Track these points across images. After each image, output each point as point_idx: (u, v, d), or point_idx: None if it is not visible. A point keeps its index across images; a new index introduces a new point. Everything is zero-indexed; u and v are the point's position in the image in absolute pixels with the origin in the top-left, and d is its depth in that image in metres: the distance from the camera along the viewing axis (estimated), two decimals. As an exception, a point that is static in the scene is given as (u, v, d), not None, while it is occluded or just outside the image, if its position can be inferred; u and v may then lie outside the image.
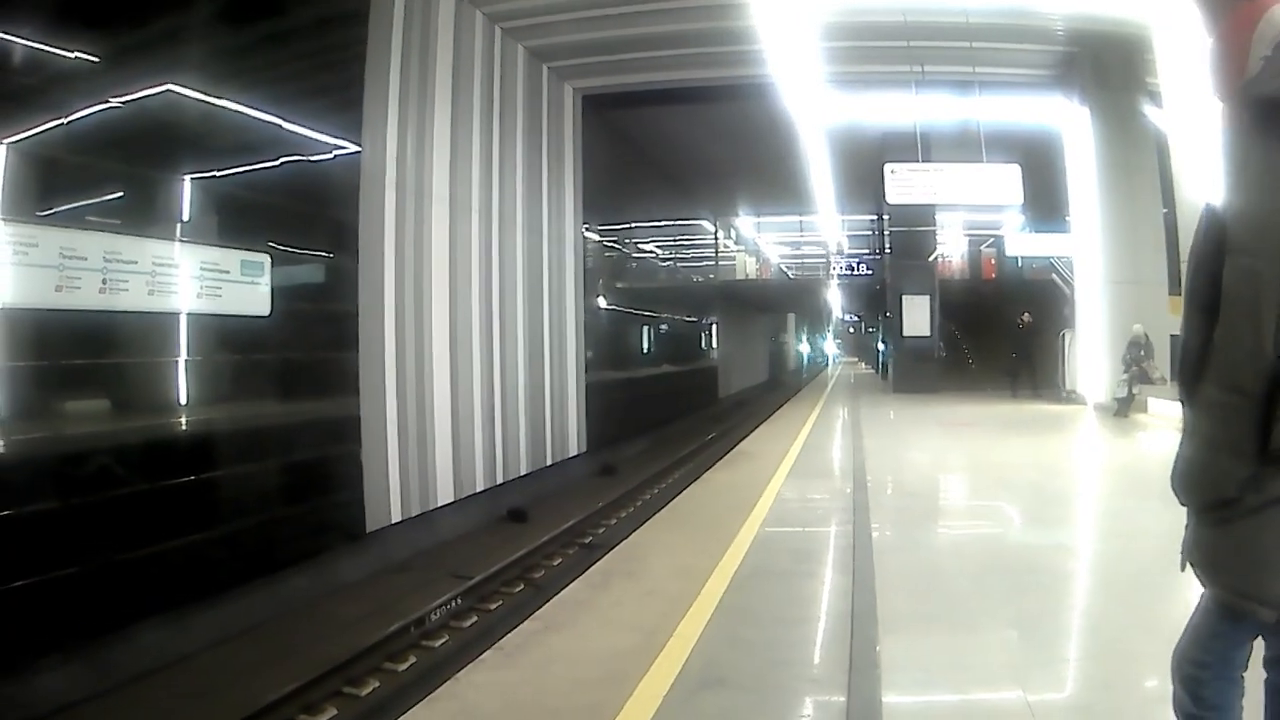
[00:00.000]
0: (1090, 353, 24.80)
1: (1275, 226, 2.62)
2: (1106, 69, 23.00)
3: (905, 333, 33.16)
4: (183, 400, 15.63)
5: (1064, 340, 27.25)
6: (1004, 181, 20.17)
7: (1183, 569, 3.00)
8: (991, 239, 42.04)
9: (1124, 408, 21.13)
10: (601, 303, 37.67)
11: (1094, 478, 14.97)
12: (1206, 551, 2.89)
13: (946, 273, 40.67)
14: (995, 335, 33.31)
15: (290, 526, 14.27)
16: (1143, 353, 20.82)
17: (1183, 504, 2.98)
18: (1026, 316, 28.96)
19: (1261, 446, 2.63)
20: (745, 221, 56.44)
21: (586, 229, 28.30)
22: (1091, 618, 7.00)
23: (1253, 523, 2.70)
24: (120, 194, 16.45)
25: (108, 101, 14.75)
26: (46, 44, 13.66)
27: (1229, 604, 2.86)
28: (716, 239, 54.00)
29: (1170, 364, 20.31)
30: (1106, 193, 23.55)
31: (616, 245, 46.62)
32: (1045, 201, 27.69)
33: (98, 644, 10.83)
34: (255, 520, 13.63)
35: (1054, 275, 32.50)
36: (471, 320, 19.68)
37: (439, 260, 18.35)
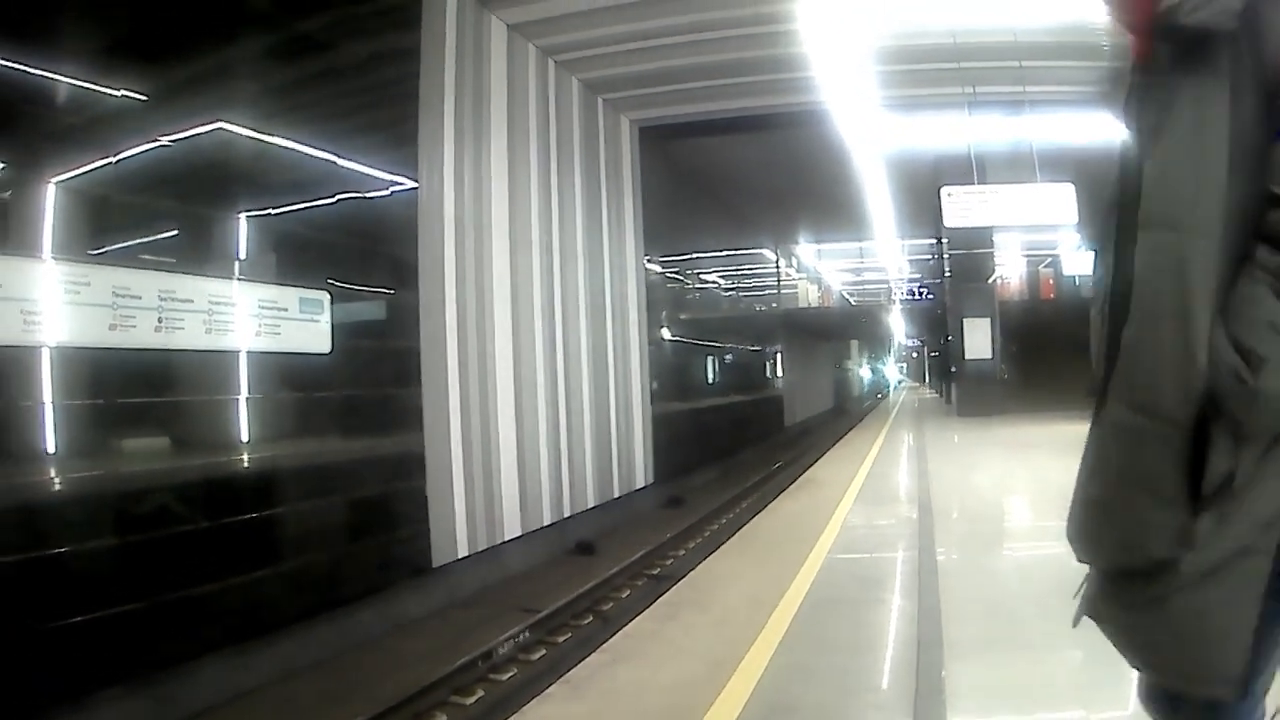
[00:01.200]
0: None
1: (1210, 193, 2.03)
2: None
3: (967, 355, 33.01)
4: (244, 437, 15.72)
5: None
6: (1059, 201, 20.06)
7: (1075, 624, 2.40)
8: (1049, 259, 41.80)
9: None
10: (665, 334, 37.69)
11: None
12: (1133, 632, 2.27)
13: (1006, 294, 40.44)
14: (1055, 355, 33.11)
15: (355, 562, 14.31)
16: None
17: (1083, 561, 2.37)
18: None
19: (1191, 489, 2.02)
20: (806, 249, 56.34)
21: (648, 260, 28.30)
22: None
23: (1196, 599, 2.07)
24: (174, 232, 16.61)
25: (157, 140, 14.85)
26: (92, 82, 13.78)
27: (1174, 690, 2.24)
28: (778, 267, 53.90)
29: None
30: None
31: (678, 276, 46.64)
32: (1101, 219, 27.53)
33: (162, 679, 10.89)
34: (320, 556, 13.67)
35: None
36: (535, 355, 19.68)
37: (500, 295, 18.33)
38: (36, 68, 13.03)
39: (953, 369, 38.41)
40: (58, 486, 12.03)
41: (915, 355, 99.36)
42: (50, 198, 13.45)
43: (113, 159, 14.52)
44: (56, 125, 13.98)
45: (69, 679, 9.87)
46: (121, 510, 11.23)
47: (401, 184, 17.45)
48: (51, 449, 13.31)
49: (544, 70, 20.61)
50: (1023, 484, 16.25)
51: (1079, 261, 34.30)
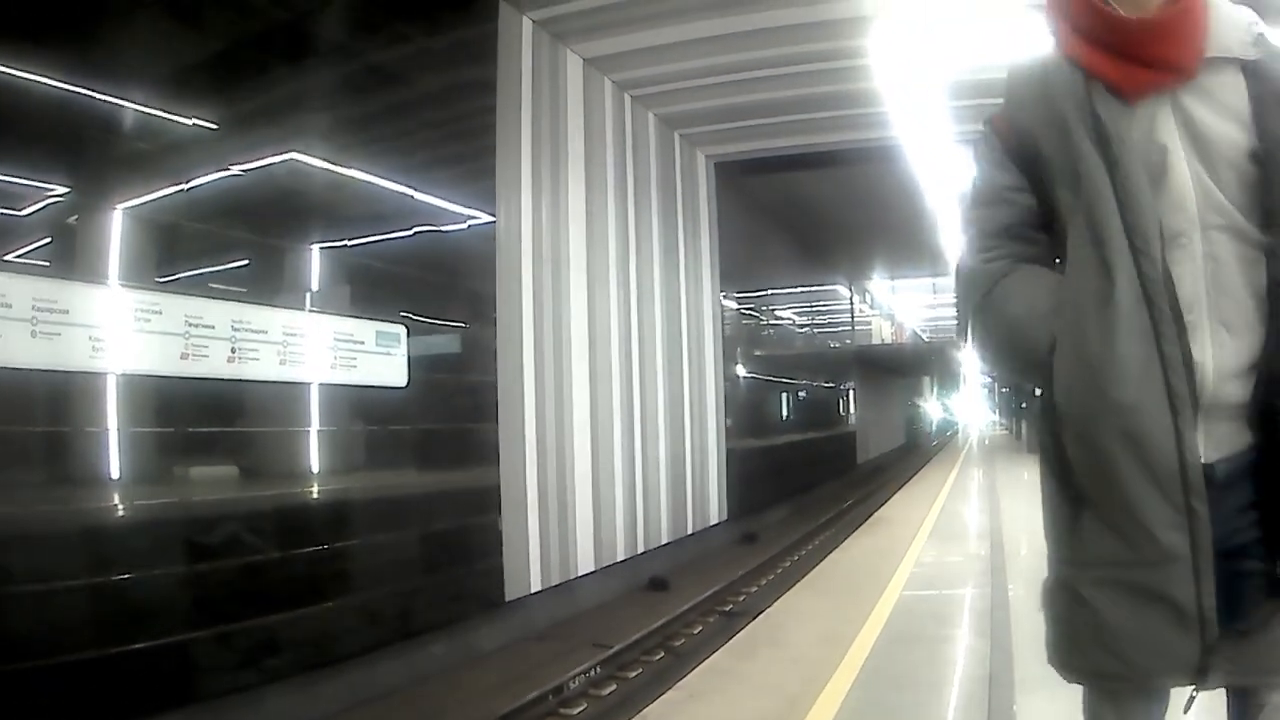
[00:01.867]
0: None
1: None
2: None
3: (1039, 391, 32.78)
4: (316, 469, 15.82)
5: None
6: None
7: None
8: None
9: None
10: (740, 370, 37.65)
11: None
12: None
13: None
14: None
15: (428, 595, 14.36)
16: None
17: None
18: None
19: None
20: (879, 285, 56.26)
21: (724, 297, 28.31)
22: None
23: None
24: (246, 261, 16.74)
25: (228, 169, 14.98)
26: (162, 110, 13.90)
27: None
28: (852, 303, 53.83)
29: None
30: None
31: (754, 313, 46.63)
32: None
33: (225, 708, 10.96)
34: (392, 588, 13.73)
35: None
36: (612, 390, 19.69)
37: (578, 330, 18.37)
38: (105, 93, 13.18)
39: (1023, 404, 38.21)
40: (121, 513, 12.16)
41: (988, 391, 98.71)
42: (118, 224, 13.57)
43: (183, 186, 14.65)
44: (125, 151, 14.12)
45: (132, 705, 9.93)
46: (189, 538, 11.35)
47: (478, 218, 17.51)
48: (117, 475, 13.42)
49: (620, 105, 20.70)
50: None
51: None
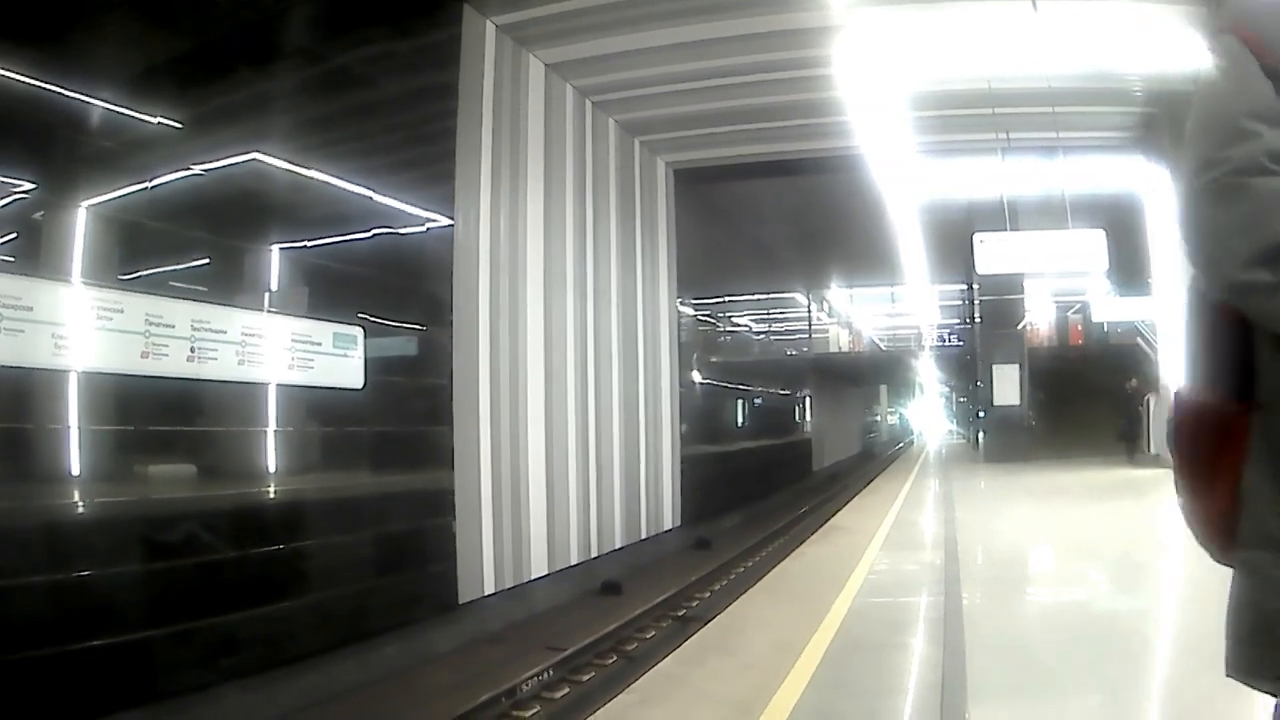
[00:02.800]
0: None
1: None
2: (1183, 128, 22.74)
3: (995, 402, 33.15)
4: (272, 469, 15.80)
5: (1149, 404, 27.10)
6: (1089, 247, 20.05)
7: None
8: (1078, 305, 41.82)
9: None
10: (696, 377, 37.70)
11: (1177, 541, 14.90)
12: None
13: (1035, 340, 40.51)
14: (1082, 402, 33.15)
15: (382, 596, 14.36)
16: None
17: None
18: (1134, 382, 28.75)
19: None
20: (837, 294, 56.39)
21: (680, 303, 28.37)
22: (1174, 682, 7.03)
23: None
24: (206, 260, 16.69)
25: (191, 168, 14.95)
26: (128, 108, 13.87)
27: None
28: (809, 311, 53.94)
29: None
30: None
31: (710, 319, 46.72)
32: (1129, 265, 27.53)
33: (181, 706, 10.95)
34: (345, 589, 13.73)
35: (1139, 339, 32.29)
36: (567, 395, 19.78)
37: (534, 334, 18.44)
38: (72, 90, 13.14)
39: (979, 414, 38.46)
40: (81, 510, 12.15)
41: (945, 401, 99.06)
42: (82, 221, 13.53)
43: (146, 185, 14.60)
44: (90, 149, 14.08)
45: (86, 703, 9.92)
46: (145, 536, 11.33)
47: (437, 221, 17.49)
48: (77, 472, 13.39)
49: (581, 111, 20.77)
50: (1047, 530, 16.27)
51: (1108, 308, 34.40)
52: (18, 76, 12.13)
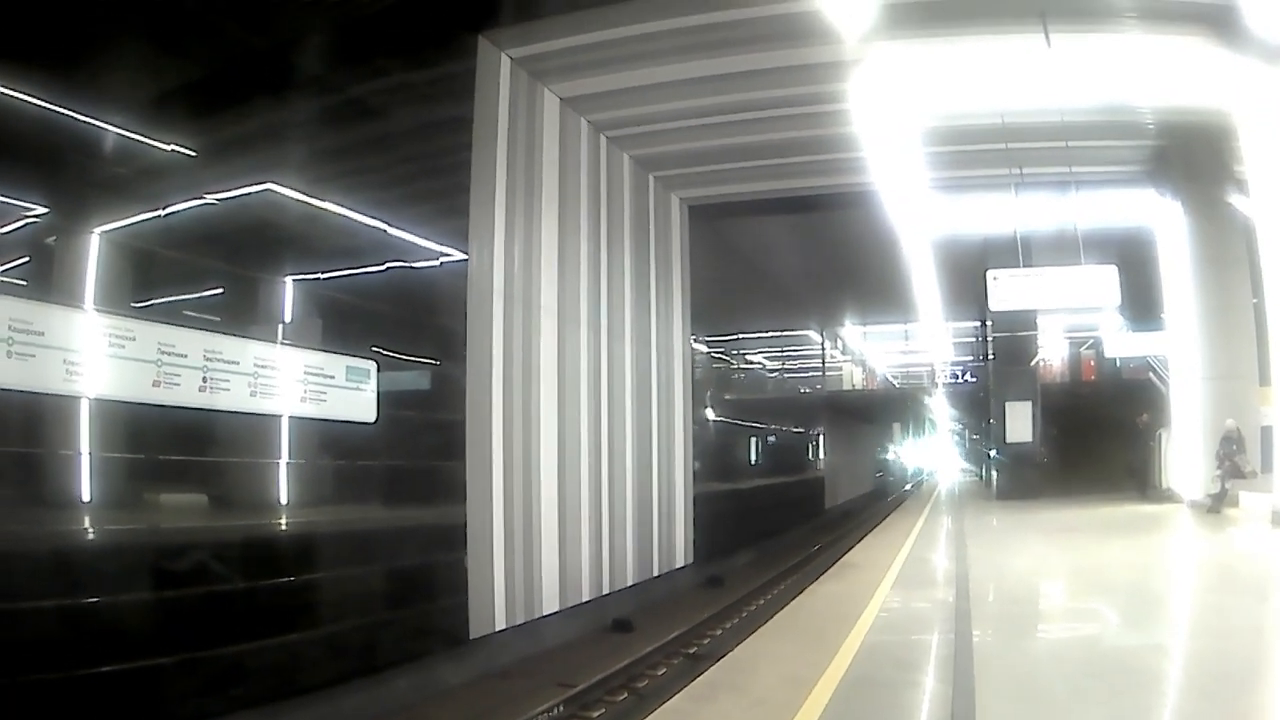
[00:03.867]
0: (1185, 450, 24.44)
1: None
2: (1196, 160, 22.71)
3: (1008, 439, 33.05)
4: (284, 501, 15.78)
5: (1160, 439, 27.03)
6: (1102, 283, 19.98)
7: None
8: (1090, 340, 41.75)
9: (1217, 504, 20.78)
10: (710, 414, 37.66)
11: (1186, 577, 14.82)
12: None
13: (1047, 376, 40.44)
14: (1095, 438, 33.08)
15: (392, 630, 14.34)
16: (1235, 447, 20.48)
17: None
18: (1145, 417, 28.66)
19: None
20: (851, 331, 56.37)
21: (694, 340, 28.34)
22: (1184, 716, 6.98)
23: None
24: (220, 290, 16.71)
25: (204, 197, 14.98)
26: (141, 134, 13.88)
27: None
28: (823, 349, 53.92)
29: (1261, 457, 20.14)
30: (1199, 287, 23.28)
31: (724, 356, 46.73)
32: (1141, 301, 27.49)
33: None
34: (356, 622, 13.71)
35: (1151, 374, 32.23)
36: (580, 431, 19.67)
37: (547, 370, 18.36)
38: (84, 114, 13.16)
39: (991, 453, 38.40)
40: (91, 536, 12.14)
41: (958, 438, 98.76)
42: (95, 247, 13.55)
43: (160, 213, 14.62)
44: (103, 174, 14.10)
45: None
46: (155, 564, 11.33)
47: (451, 255, 17.52)
48: (88, 498, 13.39)
49: (596, 146, 20.75)
50: (1058, 567, 16.19)
51: (1120, 344, 34.38)
52: (29, 98, 12.17)
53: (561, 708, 13.60)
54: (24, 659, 9.58)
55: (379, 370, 16.10)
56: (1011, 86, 18.63)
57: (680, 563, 24.90)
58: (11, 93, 12.25)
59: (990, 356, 37.48)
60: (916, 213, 24.42)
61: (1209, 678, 7.97)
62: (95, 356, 11.74)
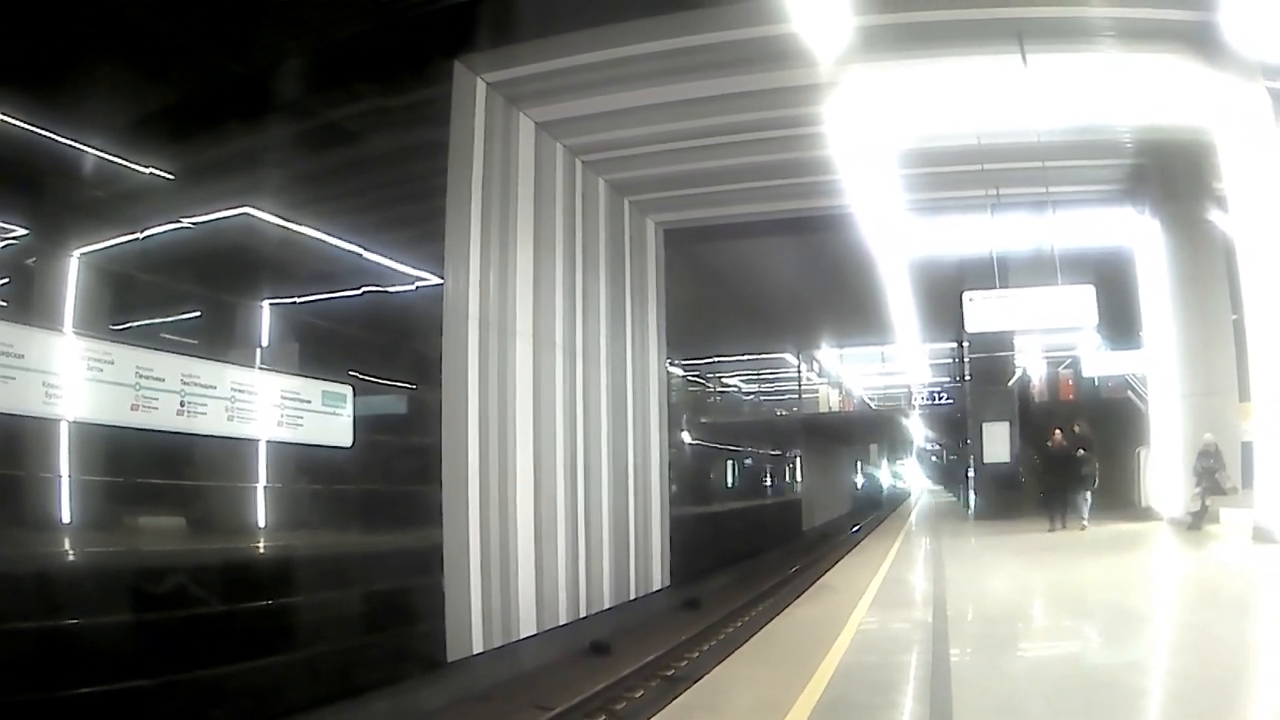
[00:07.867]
0: (1164, 467, 24.51)
1: None
2: (1174, 178, 22.76)
3: (985, 459, 33.09)
4: (261, 524, 15.78)
5: (1139, 457, 27.06)
6: (1079, 303, 20.03)
7: None
8: (1068, 360, 41.85)
9: (1197, 521, 20.73)
10: (686, 437, 37.69)
11: (1165, 595, 14.86)
12: None
13: (1025, 396, 40.53)
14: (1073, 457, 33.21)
15: (369, 653, 14.33)
16: (1213, 462, 20.46)
17: None
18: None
19: None
20: (828, 354, 56.48)
21: (670, 364, 28.37)
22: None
23: None
24: (197, 314, 16.70)
25: (181, 221, 14.99)
26: (119, 157, 13.89)
27: None
28: (799, 371, 53.99)
29: (1241, 472, 20.19)
30: (1177, 305, 23.30)
31: (700, 380, 46.79)
32: (1119, 320, 27.57)
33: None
34: (333, 645, 13.70)
35: (1130, 393, 32.28)
36: (555, 455, 19.71)
37: (523, 394, 18.40)
38: (63, 136, 13.16)
39: (969, 473, 38.45)
40: (71, 558, 12.15)
41: (935, 459, 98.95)
42: (74, 270, 13.56)
43: (138, 235, 14.63)
44: (82, 196, 14.11)
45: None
46: (134, 586, 11.33)
47: (427, 279, 17.52)
48: (67, 520, 13.40)
49: (571, 170, 20.80)
50: (1036, 586, 16.21)
51: (1098, 363, 34.45)
52: (8, 119, 12.18)
53: (539, 730, 13.60)
54: (3, 680, 9.58)
55: (355, 395, 16.10)
56: (988, 107, 18.72)
57: (657, 585, 24.91)
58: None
59: (967, 377, 37.57)
60: (893, 235, 24.50)
61: (1188, 695, 8.00)
62: (75, 379, 11.74)
